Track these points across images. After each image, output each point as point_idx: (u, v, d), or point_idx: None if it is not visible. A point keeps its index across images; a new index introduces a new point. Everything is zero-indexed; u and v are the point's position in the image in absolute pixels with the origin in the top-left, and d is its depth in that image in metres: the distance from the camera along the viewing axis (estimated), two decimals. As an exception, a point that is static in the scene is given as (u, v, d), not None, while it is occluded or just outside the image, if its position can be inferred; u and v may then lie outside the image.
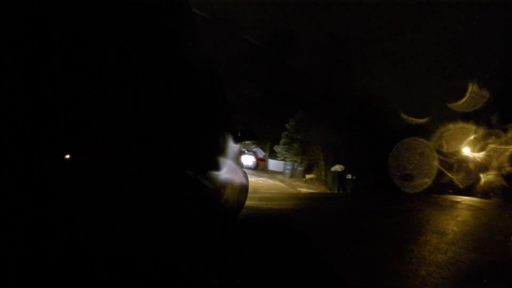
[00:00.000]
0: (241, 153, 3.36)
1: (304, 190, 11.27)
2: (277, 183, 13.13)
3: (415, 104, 14.77)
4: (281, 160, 17.98)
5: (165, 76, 0.68)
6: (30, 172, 0.31)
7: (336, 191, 12.61)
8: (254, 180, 11.79)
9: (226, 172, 1.56)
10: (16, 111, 0.30)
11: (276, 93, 19.99)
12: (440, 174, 13.43)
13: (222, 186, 1.35)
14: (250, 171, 14.98)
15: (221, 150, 1.46)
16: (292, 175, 15.57)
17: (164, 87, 0.68)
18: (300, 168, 15.55)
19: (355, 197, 9.54)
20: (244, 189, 3.19)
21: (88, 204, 0.39)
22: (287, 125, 17.23)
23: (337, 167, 12.35)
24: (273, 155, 19.79)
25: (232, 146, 2.04)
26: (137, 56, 0.53)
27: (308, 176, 15.10)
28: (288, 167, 15.89)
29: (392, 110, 14.59)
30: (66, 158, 0.36)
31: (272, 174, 16.88)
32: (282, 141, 17.24)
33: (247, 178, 3.28)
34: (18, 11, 0.31)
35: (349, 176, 12.32)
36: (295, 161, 16.12)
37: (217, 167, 1.26)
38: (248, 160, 17.52)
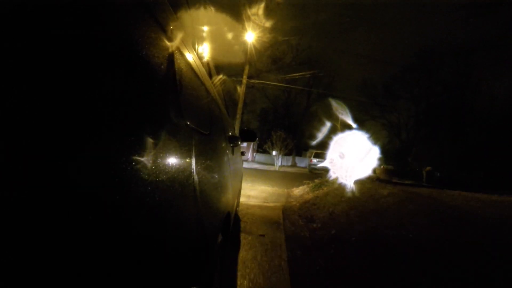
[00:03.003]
0: (242, 154, 3.50)
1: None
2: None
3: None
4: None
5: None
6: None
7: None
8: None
9: (225, 172, 1.56)
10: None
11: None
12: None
13: (221, 186, 1.36)
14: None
15: (221, 150, 1.49)
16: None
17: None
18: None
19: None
20: (239, 189, 3.32)
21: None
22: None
23: (427, 168, 15.76)
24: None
25: (231, 145, 2.04)
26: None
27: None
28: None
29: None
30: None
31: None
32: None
33: (241, 179, 3.55)
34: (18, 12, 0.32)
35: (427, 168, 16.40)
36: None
37: (216, 166, 1.27)
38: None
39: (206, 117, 1.20)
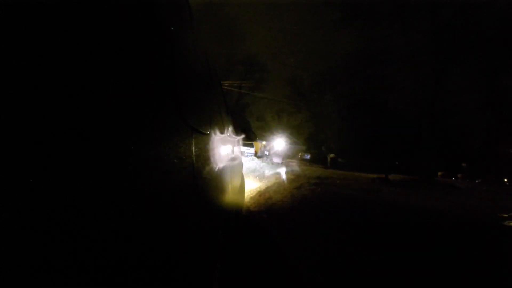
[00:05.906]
0: (242, 153, 3.49)
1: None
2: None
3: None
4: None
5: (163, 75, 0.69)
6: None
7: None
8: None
9: (225, 170, 1.56)
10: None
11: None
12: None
13: (221, 185, 1.35)
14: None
15: (219, 148, 1.45)
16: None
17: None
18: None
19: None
20: (242, 188, 3.38)
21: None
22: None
23: (331, 155, 18.62)
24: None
25: (231, 144, 2.02)
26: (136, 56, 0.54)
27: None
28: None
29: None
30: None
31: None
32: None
33: (243, 177, 3.62)
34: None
35: (331, 155, 19.53)
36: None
37: (216, 165, 1.26)
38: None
39: (206, 116, 1.20)
